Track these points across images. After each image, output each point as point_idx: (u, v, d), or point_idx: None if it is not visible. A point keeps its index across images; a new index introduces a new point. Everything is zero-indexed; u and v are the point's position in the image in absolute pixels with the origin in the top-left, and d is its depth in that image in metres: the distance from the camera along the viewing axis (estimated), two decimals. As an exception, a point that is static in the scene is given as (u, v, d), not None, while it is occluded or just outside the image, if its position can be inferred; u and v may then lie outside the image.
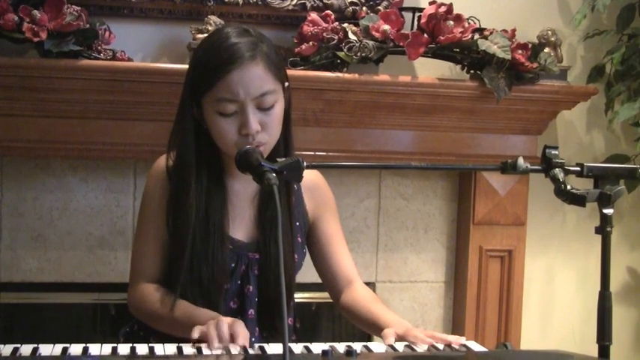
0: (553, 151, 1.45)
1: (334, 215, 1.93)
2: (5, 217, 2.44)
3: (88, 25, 2.25)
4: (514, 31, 2.50)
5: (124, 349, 1.50)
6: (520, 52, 2.46)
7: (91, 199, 2.48)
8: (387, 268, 2.72)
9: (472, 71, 2.54)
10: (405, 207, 2.71)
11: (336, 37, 2.39)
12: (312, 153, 2.44)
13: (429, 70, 2.59)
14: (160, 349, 1.51)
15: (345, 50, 2.38)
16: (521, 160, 1.46)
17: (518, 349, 2.57)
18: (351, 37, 2.39)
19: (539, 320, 2.89)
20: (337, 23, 2.42)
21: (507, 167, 1.47)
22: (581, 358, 1.54)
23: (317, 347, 1.53)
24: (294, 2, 2.49)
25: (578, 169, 1.45)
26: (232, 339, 1.53)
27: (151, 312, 1.74)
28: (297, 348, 1.54)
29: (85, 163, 2.46)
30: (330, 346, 1.50)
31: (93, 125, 2.34)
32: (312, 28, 2.40)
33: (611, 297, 1.40)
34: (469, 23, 2.46)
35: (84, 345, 1.50)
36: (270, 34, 1.86)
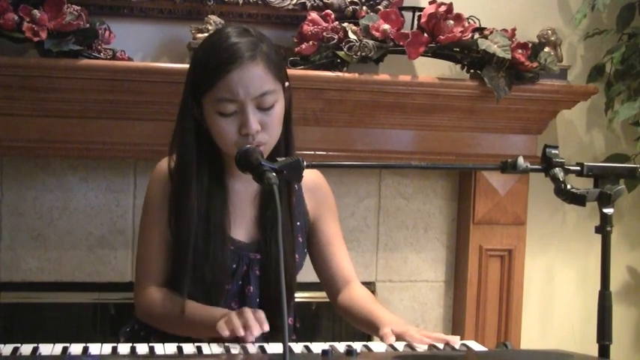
0: (553, 151, 1.45)
1: (334, 216, 1.93)
2: (5, 217, 2.44)
3: (88, 25, 2.25)
4: (514, 30, 2.50)
5: (124, 348, 1.50)
6: (520, 51, 2.46)
7: (91, 199, 2.48)
8: (387, 268, 2.72)
9: (472, 71, 2.54)
10: (405, 206, 2.71)
11: (336, 37, 2.39)
12: (312, 152, 2.44)
13: (429, 69, 2.59)
14: (160, 348, 1.51)
15: (345, 50, 2.38)
16: (521, 160, 1.46)
17: (518, 348, 2.57)
18: (351, 36, 2.39)
19: (539, 320, 2.89)
20: (337, 23, 2.43)
21: (507, 167, 1.47)
22: (582, 357, 1.54)
23: (317, 347, 1.53)
24: (294, 2, 2.49)
25: (578, 168, 1.45)
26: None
27: (162, 316, 1.74)
28: (297, 348, 1.54)
29: (85, 162, 2.46)
30: (330, 346, 1.50)
31: (93, 125, 2.34)
32: (312, 28, 2.40)
33: (611, 296, 1.40)
34: (469, 23, 2.46)
35: (84, 344, 1.50)
36: (270, 34, 1.86)
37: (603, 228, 1.40)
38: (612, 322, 1.39)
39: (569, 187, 1.42)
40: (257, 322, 1.55)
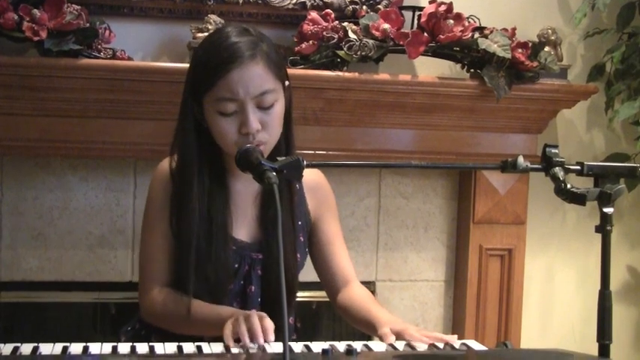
0: (553, 150, 1.45)
1: (335, 215, 1.93)
2: (5, 216, 2.44)
3: (88, 24, 2.25)
4: (514, 29, 2.50)
5: (124, 348, 1.50)
6: (520, 50, 2.46)
7: (91, 198, 2.48)
8: (387, 267, 2.72)
9: (472, 70, 2.54)
10: (405, 206, 2.71)
11: (336, 36, 2.39)
12: (312, 152, 2.44)
13: (429, 68, 2.59)
14: (160, 348, 1.51)
15: (345, 49, 2.38)
16: (521, 159, 1.46)
17: (518, 348, 2.57)
18: (351, 35, 2.39)
19: (539, 319, 2.89)
20: (337, 22, 2.42)
21: (507, 166, 1.47)
22: (582, 356, 1.54)
23: (317, 346, 1.53)
24: (294, 1, 2.49)
25: (579, 167, 1.45)
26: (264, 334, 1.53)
27: (167, 315, 1.74)
28: (298, 347, 1.54)
29: (85, 162, 2.46)
30: (331, 345, 1.50)
31: (93, 124, 2.34)
32: (312, 27, 2.40)
33: (611, 296, 1.40)
34: (469, 22, 2.46)
35: (84, 344, 1.50)
36: (270, 33, 1.86)
37: (603, 227, 1.40)
38: (612, 321, 1.39)
39: (569, 186, 1.42)
40: (264, 331, 1.52)
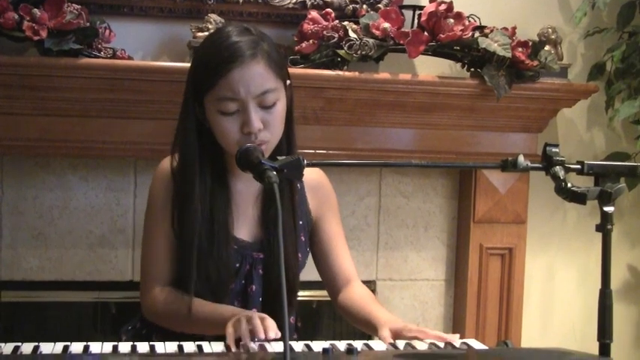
0: (553, 149, 1.45)
1: (336, 215, 1.93)
2: (5, 216, 2.44)
3: (88, 24, 2.25)
4: (514, 28, 2.50)
5: (124, 347, 1.50)
6: (520, 49, 2.46)
7: (91, 198, 2.48)
8: (388, 266, 2.72)
9: (472, 69, 2.54)
10: (406, 205, 2.71)
11: (336, 35, 2.39)
12: (313, 151, 2.44)
13: (430, 68, 2.59)
14: (160, 347, 1.51)
15: (345, 48, 2.38)
16: (521, 158, 1.46)
17: (519, 347, 2.57)
18: (352, 35, 2.39)
19: (539, 318, 2.89)
20: (337, 21, 2.42)
21: (508, 165, 1.47)
22: (582, 355, 1.54)
23: (318, 345, 1.53)
24: (294, 0, 2.49)
25: (579, 166, 1.45)
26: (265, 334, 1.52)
27: (169, 315, 1.74)
28: (298, 346, 1.55)
29: (85, 161, 2.46)
30: (331, 344, 1.50)
31: (93, 124, 2.34)
32: (312, 27, 2.40)
33: (612, 295, 1.40)
34: (469, 21, 2.46)
35: (85, 343, 1.50)
36: (270, 33, 1.86)
37: (604, 226, 1.40)
38: (613, 320, 1.39)
39: (569, 185, 1.42)
40: (265, 329, 1.51)
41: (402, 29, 2.42)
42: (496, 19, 2.54)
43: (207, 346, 1.53)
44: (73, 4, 2.24)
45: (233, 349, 1.51)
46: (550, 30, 2.56)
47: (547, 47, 2.54)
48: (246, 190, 1.80)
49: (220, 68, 1.64)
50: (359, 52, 2.38)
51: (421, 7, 2.50)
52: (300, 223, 1.83)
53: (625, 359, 2.94)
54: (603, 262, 1.40)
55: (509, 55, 2.40)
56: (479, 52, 2.45)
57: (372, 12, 2.45)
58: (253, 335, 1.50)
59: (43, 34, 2.17)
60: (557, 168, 1.44)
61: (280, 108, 1.69)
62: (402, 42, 2.39)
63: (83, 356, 1.43)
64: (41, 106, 2.29)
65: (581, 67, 2.81)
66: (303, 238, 1.84)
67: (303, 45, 2.39)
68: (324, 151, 2.48)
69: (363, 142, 2.53)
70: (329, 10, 2.44)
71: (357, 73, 2.41)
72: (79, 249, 2.48)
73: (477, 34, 2.45)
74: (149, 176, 1.87)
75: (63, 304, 2.55)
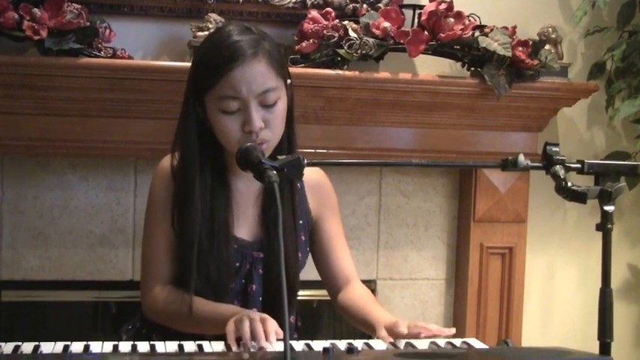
0: (554, 148, 1.45)
1: (336, 214, 1.93)
2: (6, 216, 2.44)
3: (88, 23, 2.25)
4: (514, 28, 2.50)
5: (125, 346, 1.50)
6: (520, 49, 2.46)
7: (91, 197, 2.48)
8: (388, 266, 2.72)
9: (472, 68, 2.54)
10: (406, 204, 2.71)
11: (336, 35, 2.39)
12: (313, 150, 2.44)
13: (430, 67, 2.59)
14: (161, 346, 1.51)
15: (345, 48, 2.38)
16: (521, 157, 1.46)
17: (519, 346, 2.57)
18: (352, 34, 2.39)
19: (540, 317, 2.89)
20: (337, 21, 2.42)
21: (508, 164, 1.47)
22: (583, 355, 1.54)
23: (318, 345, 1.53)
24: (294, 0, 2.49)
25: (579, 166, 1.45)
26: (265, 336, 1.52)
27: (170, 314, 1.74)
28: (299, 345, 1.55)
29: (86, 161, 2.46)
30: (332, 344, 1.50)
31: (93, 123, 2.34)
32: (312, 26, 2.39)
33: (612, 294, 1.40)
34: (469, 20, 2.46)
35: (85, 343, 1.50)
36: (270, 32, 1.86)
37: (604, 225, 1.40)
38: (613, 319, 1.39)
39: (569, 184, 1.42)
40: (266, 334, 1.51)
41: (402, 28, 2.42)
42: (496, 18, 2.54)
43: (208, 346, 1.53)
44: (73, 4, 2.23)
45: (233, 347, 1.51)
46: (550, 29, 2.56)
47: (547, 46, 2.54)
48: (246, 190, 1.79)
49: (221, 67, 1.63)
50: (359, 51, 2.38)
51: (421, 7, 2.50)
52: (301, 222, 1.83)
53: (625, 358, 2.94)
54: (603, 262, 1.40)
55: (509, 54, 2.40)
56: (479, 52, 2.45)
57: (372, 11, 2.45)
58: (254, 336, 1.50)
59: (44, 33, 2.17)
60: (558, 167, 1.44)
61: (281, 107, 1.69)
62: (402, 41, 2.39)
63: (83, 356, 1.43)
64: (41, 105, 2.29)
65: (581, 66, 2.81)
66: (303, 238, 1.84)
67: (304, 44, 2.39)
68: (325, 151, 2.48)
69: (364, 142, 2.53)
70: (329, 9, 2.44)
71: (357, 73, 2.41)
72: (79, 249, 2.48)
73: (477, 33, 2.45)
74: (149, 176, 1.87)
75: (63, 303, 2.55)
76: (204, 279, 1.71)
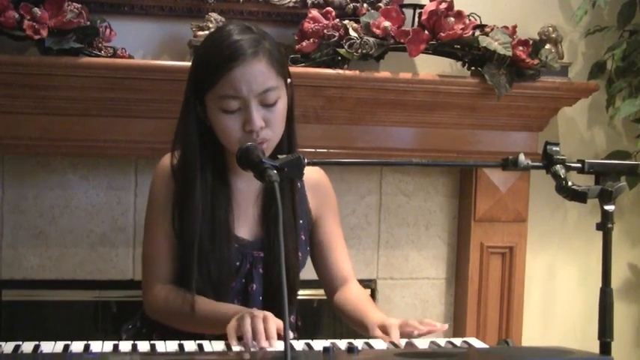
0: (554, 148, 1.45)
1: (335, 215, 1.93)
2: (6, 215, 2.44)
3: (88, 23, 2.25)
4: (515, 27, 2.50)
5: (125, 346, 1.50)
6: (521, 48, 2.46)
7: (92, 197, 2.48)
8: (388, 265, 2.72)
9: (473, 68, 2.54)
10: (406, 204, 2.71)
11: (336, 34, 2.39)
12: (313, 150, 2.44)
13: (430, 66, 2.59)
14: (161, 346, 1.51)
15: (345, 47, 2.38)
16: (522, 157, 1.46)
17: (520, 345, 2.57)
18: (352, 33, 2.39)
19: (540, 317, 2.89)
20: (338, 20, 2.42)
21: (508, 164, 1.47)
22: (583, 354, 1.54)
23: (318, 344, 1.53)
24: (294, -1, 2.49)
25: (580, 165, 1.45)
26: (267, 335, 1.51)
27: (171, 313, 1.74)
28: (299, 345, 1.54)
29: (86, 160, 2.46)
30: (332, 343, 1.50)
31: (93, 123, 2.34)
32: (312, 25, 2.39)
33: (613, 293, 1.40)
34: (470, 20, 2.46)
35: (85, 342, 1.50)
36: (270, 31, 1.86)
37: (604, 225, 1.40)
38: (613, 319, 1.39)
39: (570, 184, 1.42)
40: (267, 335, 1.51)
41: (403, 28, 2.42)
42: (496, 17, 2.54)
43: (208, 345, 1.53)
44: (74, 3, 2.23)
45: (234, 345, 1.51)
46: (551, 28, 2.56)
47: (548, 46, 2.54)
48: (246, 189, 1.79)
49: (222, 67, 1.63)
50: (359, 50, 2.38)
51: (422, 6, 2.50)
52: (301, 222, 1.83)
53: (626, 358, 2.94)
54: (604, 261, 1.40)
55: (509, 53, 2.40)
56: (479, 51, 2.45)
57: (372, 11, 2.45)
58: (255, 336, 1.50)
59: (44, 33, 2.17)
60: (558, 167, 1.44)
61: (281, 106, 1.69)
62: (402, 41, 2.39)
63: (84, 355, 1.43)
64: (42, 105, 2.29)
65: (581, 65, 2.81)
66: (303, 237, 1.84)
67: (304, 44, 2.39)
68: (325, 150, 2.48)
69: (364, 141, 2.53)
70: (329, 8, 2.44)
71: (357, 72, 2.41)
72: (79, 248, 2.48)
73: (477, 32, 2.45)
74: (150, 175, 1.87)
75: (64, 303, 2.55)
76: (204, 278, 1.71)
